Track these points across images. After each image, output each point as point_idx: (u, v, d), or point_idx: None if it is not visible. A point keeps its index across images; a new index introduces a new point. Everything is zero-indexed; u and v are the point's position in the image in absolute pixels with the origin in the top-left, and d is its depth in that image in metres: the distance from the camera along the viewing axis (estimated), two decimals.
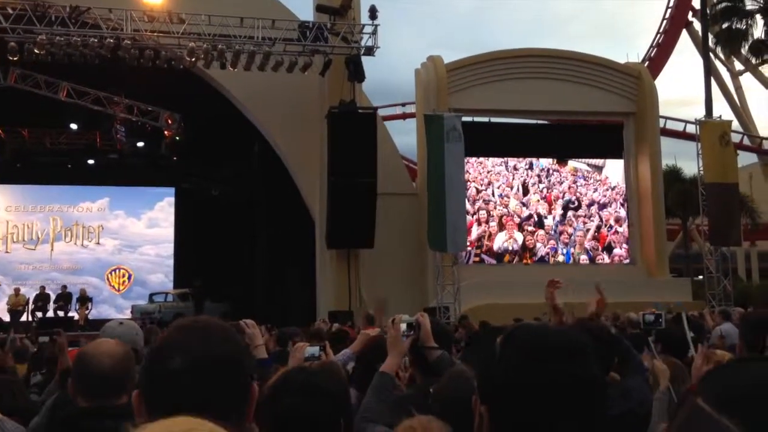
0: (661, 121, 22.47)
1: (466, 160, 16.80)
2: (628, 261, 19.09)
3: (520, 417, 1.18)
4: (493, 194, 17.38)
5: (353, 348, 4.15)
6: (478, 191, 17.38)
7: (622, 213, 18.68)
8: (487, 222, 17.29)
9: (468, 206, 17.06)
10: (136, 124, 19.23)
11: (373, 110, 16.81)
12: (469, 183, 17.26)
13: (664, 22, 31.81)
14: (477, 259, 17.79)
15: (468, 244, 17.07)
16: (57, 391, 4.29)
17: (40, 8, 14.13)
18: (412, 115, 23.07)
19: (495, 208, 17.45)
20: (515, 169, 17.65)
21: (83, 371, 2.26)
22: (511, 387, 1.18)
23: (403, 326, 2.94)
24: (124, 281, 23.38)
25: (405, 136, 22.11)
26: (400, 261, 16.86)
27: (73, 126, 19.43)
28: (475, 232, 17.15)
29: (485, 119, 18.82)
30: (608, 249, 18.07)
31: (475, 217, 17.51)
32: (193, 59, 14.81)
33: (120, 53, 14.38)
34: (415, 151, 19.12)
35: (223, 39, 14.81)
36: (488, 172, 17.36)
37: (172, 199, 24.16)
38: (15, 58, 14.53)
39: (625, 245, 18.65)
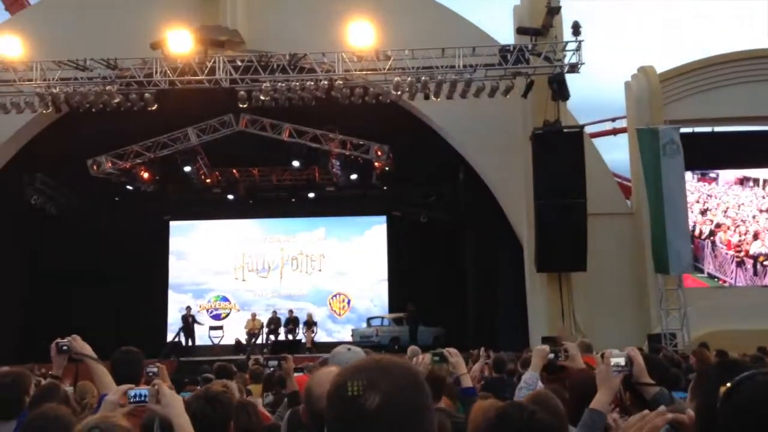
0: None
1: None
2: None
3: None
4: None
5: (533, 368, 4.06)
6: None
7: None
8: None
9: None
10: (349, 158, 20.44)
11: (579, 128, 16.28)
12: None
13: None
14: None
15: (690, 265, 15.92)
16: (286, 411, 4.66)
17: (264, 58, 15.62)
18: (623, 130, 21.98)
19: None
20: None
21: (311, 408, 2.43)
22: None
23: (614, 361, 2.80)
24: (344, 306, 24.77)
25: (616, 153, 21.09)
26: (617, 284, 16.03)
27: (295, 163, 21.14)
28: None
29: (707, 129, 17.42)
30: None
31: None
32: (399, 93, 15.44)
33: (333, 93, 15.41)
34: (629, 167, 18.17)
35: (426, 71, 15.28)
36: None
37: (383, 227, 25.23)
38: (244, 105, 16.18)
39: None
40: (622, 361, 2.80)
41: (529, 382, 4.13)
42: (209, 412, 3.21)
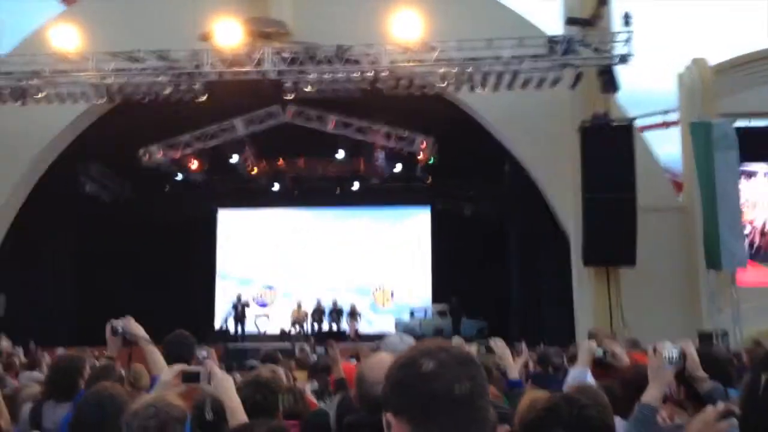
0: None
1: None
2: None
3: None
4: None
5: (580, 364, 4.02)
6: None
7: None
8: None
9: None
10: (393, 150, 20.45)
11: (629, 121, 15.96)
12: None
13: None
14: None
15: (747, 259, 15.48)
16: (332, 398, 4.71)
17: (311, 50, 15.71)
18: (675, 124, 21.48)
19: None
20: None
21: (363, 393, 2.46)
22: None
23: (667, 354, 2.75)
24: (387, 297, 24.84)
25: (668, 146, 20.64)
26: (667, 280, 15.70)
27: (340, 154, 21.23)
28: None
29: (765, 123, 16.90)
30: None
31: None
32: (444, 84, 15.36)
33: (378, 84, 15.41)
34: (680, 161, 17.76)
35: (472, 62, 15.15)
36: None
37: (426, 219, 25.18)
38: (291, 97, 16.32)
39: None
40: (675, 354, 2.74)
41: (578, 378, 4.09)
42: (259, 398, 3.27)
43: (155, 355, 3.72)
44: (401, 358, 1.44)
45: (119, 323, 3.89)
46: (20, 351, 11.27)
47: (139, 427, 2.45)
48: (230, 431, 2.84)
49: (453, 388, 1.34)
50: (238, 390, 3.11)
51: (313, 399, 5.20)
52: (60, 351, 10.25)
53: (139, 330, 3.86)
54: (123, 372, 4.18)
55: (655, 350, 2.81)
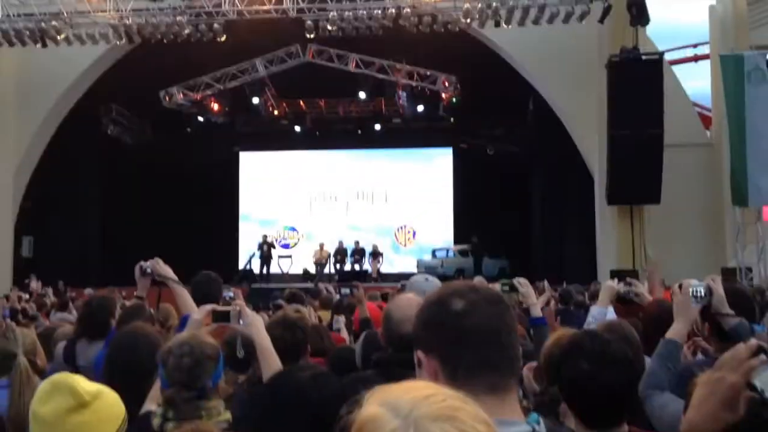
0: None
1: None
2: None
3: None
4: None
5: (601, 303, 4.03)
6: None
7: None
8: None
9: None
10: (416, 89, 20.18)
11: (658, 55, 15.55)
12: None
13: None
14: None
15: None
16: (357, 339, 4.78)
17: None
18: (705, 57, 20.89)
19: None
20: None
21: (389, 331, 2.49)
22: None
23: (692, 291, 2.74)
24: (409, 237, 24.94)
25: (698, 81, 20.15)
26: (692, 217, 15.58)
27: (362, 94, 21.02)
28: None
29: None
30: None
31: None
32: (469, 20, 15.01)
33: (401, 21, 15.10)
34: (710, 96, 17.35)
35: None
36: None
37: (449, 159, 25.02)
38: (312, 36, 16.07)
39: None
40: (701, 290, 2.74)
41: (597, 317, 4.10)
42: (288, 336, 3.33)
43: (184, 295, 3.79)
44: (432, 297, 1.47)
45: (148, 264, 3.95)
46: (49, 291, 11.57)
47: (173, 365, 2.51)
48: (272, 377, 2.88)
49: (482, 326, 1.37)
50: (267, 329, 3.17)
51: (343, 335, 5.30)
52: (88, 291, 10.51)
53: (167, 271, 3.92)
54: (152, 312, 4.26)
55: (681, 287, 2.81)
